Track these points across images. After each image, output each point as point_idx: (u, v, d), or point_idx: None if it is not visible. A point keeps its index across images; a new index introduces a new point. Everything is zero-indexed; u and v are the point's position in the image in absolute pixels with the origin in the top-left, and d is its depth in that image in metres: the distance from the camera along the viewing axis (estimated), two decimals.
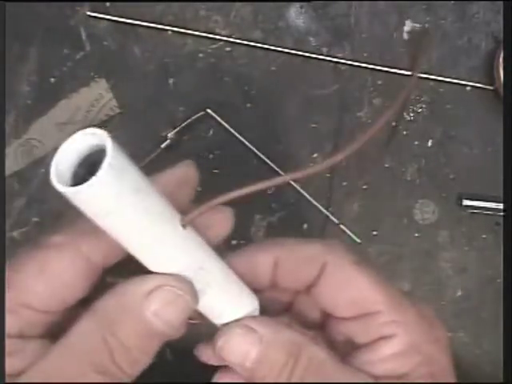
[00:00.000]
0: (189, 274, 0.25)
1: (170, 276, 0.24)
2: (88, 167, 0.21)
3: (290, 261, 0.29)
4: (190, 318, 0.26)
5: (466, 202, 0.51)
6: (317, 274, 0.29)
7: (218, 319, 0.28)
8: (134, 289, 0.24)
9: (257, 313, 0.29)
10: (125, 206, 0.21)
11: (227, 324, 0.28)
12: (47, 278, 0.25)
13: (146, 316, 0.24)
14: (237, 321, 0.28)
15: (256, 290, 0.29)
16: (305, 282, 0.29)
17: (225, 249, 0.51)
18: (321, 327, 0.31)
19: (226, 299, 0.28)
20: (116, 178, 0.20)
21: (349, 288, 0.28)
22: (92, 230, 0.23)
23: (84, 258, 0.25)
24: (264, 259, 0.29)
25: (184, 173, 0.29)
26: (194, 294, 0.25)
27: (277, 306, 0.32)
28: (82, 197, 0.20)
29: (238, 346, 0.26)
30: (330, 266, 0.28)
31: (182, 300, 0.25)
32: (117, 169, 0.20)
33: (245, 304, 0.28)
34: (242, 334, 0.27)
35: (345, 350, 0.29)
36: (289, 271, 0.29)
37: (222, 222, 0.29)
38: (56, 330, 0.25)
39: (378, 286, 0.28)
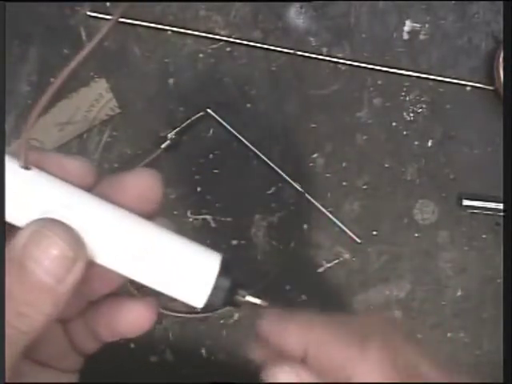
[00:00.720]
0: (57, 216, 0.24)
1: (47, 220, 0.23)
2: None
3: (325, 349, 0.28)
4: (172, 310, 0.26)
5: (466, 202, 0.51)
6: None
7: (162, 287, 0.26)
8: (16, 239, 0.23)
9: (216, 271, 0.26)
10: None
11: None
12: None
13: (25, 263, 0.23)
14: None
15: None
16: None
17: (227, 248, 0.51)
18: None
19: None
20: None
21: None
22: None
23: None
24: (295, 339, 0.28)
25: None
26: (77, 244, 0.23)
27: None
28: None
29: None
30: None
31: (58, 245, 0.23)
32: None
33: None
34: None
35: None
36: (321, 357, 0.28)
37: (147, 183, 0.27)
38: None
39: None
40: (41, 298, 0.23)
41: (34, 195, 0.24)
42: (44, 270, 0.23)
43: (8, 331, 0.23)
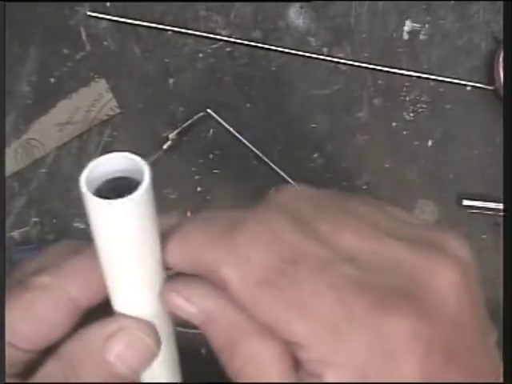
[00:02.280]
0: (154, 321, 0.25)
1: (131, 318, 0.24)
2: (110, 188, 0.22)
3: None
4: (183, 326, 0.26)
5: (466, 202, 0.51)
6: None
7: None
8: (96, 332, 0.24)
9: None
10: (137, 232, 0.22)
11: None
12: (32, 318, 0.24)
13: (107, 359, 0.24)
14: None
15: None
16: None
17: None
18: None
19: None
20: (148, 203, 0.21)
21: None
22: (77, 270, 0.24)
23: (69, 298, 0.25)
24: None
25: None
26: (157, 339, 0.25)
27: None
28: (112, 211, 0.20)
29: None
30: None
31: (143, 343, 0.24)
32: (149, 195, 0.21)
33: None
34: None
35: None
36: None
37: None
38: (33, 367, 0.25)
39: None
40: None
41: (153, 298, 0.25)
42: (127, 366, 0.24)
43: None
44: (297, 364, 0.22)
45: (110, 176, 0.22)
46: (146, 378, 0.27)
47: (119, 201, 0.20)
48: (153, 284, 0.24)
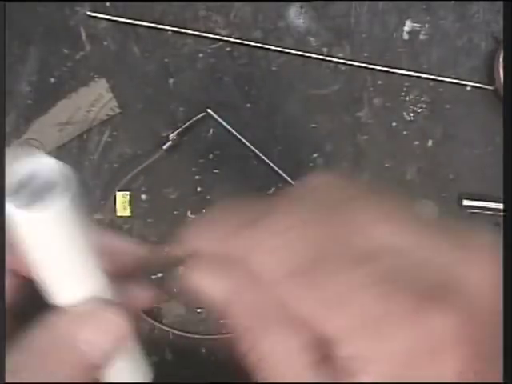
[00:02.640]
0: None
1: (99, 301, 0.23)
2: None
3: None
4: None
5: (466, 202, 0.51)
6: None
7: None
8: (63, 318, 0.23)
9: None
10: (63, 239, 0.21)
11: None
12: None
13: (77, 345, 0.23)
14: None
15: None
16: None
17: None
18: None
19: None
20: (70, 208, 0.20)
21: None
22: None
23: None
24: None
25: None
26: (127, 319, 0.24)
27: None
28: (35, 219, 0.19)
29: None
30: None
31: (114, 324, 0.23)
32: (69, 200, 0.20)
33: None
34: None
35: None
36: None
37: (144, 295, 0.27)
38: None
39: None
40: (83, 372, 0.23)
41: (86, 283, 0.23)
42: (99, 350, 0.23)
43: None
44: (325, 359, 0.21)
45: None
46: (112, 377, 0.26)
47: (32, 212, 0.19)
48: (89, 277, 0.23)
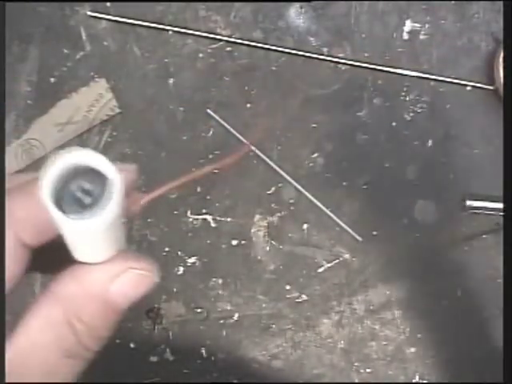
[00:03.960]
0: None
1: (133, 258, 0.25)
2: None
3: None
4: None
5: (467, 202, 0.51)
6: None
7: None
8: (100, 275, 0.24)
9: None
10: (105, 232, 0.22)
11: None
12: None
13: (112, 299, 0.24)
14: None
15: None
16: None
17: (227, 248, 0.51)
18: None
19: None
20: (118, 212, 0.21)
21: None
22: (26, 213, 0.23)
23: (21, 245, 0.25)
24: None
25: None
26: (155, 271, 0.26)
27: None
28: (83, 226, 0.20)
29: None
30: None
31: (147, 281, 0.25)
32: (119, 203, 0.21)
33: None
34: None
35: None
36: None
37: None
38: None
39: None
40: (114, 323, 0.25)
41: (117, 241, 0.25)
42: (130, 301, 0.25)
43: (85, 354, 0.24)
44: None
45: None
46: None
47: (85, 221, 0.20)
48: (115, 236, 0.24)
